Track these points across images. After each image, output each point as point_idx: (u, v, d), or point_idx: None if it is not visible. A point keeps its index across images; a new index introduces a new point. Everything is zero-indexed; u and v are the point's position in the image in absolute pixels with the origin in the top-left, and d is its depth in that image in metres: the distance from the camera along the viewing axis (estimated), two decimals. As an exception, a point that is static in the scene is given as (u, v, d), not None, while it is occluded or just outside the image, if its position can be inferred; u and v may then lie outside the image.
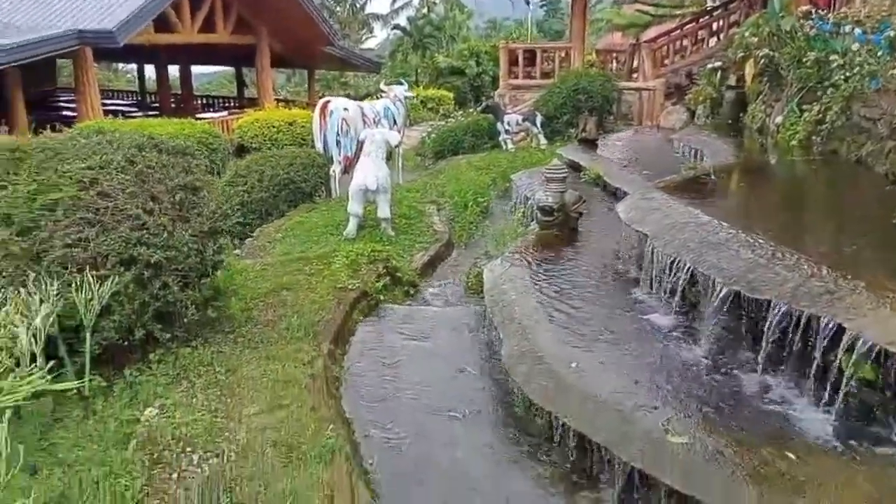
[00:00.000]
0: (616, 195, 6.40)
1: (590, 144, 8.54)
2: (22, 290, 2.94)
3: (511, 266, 4.75)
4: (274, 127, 12.72)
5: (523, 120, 10.42)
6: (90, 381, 3.14)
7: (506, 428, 3.44)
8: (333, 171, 8.20)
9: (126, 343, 3.44)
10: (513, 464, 3.18)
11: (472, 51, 22.18)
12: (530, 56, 13.65)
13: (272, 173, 7.72)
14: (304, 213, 7.35)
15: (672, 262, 3.90)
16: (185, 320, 3.69)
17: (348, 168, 8.18)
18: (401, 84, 9.69)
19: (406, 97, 9.42)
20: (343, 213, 6.79)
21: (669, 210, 4.44)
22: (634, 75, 13.59)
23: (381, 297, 4.94)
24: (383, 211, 6.27)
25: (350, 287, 4.81)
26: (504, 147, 10.35)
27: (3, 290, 3.00)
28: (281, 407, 3.28)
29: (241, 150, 11.92)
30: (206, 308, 3.94)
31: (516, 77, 13.46)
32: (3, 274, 3.11)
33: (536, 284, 4.45)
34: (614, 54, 16.33)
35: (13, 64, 10.90)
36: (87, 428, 3.05)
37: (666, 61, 12.25)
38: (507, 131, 10.36)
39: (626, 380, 3.31)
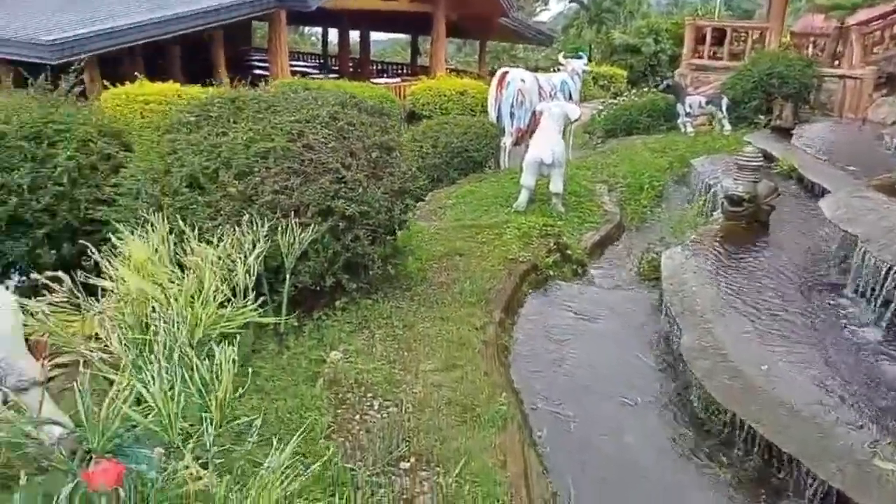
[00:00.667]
0: (813, 191, 5.86)
1: (783, 133, 7.87)
2: (237, 228, 3.19)
3: (693, 255, 4.51)
4: (445, 96, 12.93)
5: (707, 103, 9.79)
6: (285, 320, 3.37)
7: (680, 422, 3.29)
8: (504, 143, 8.19)
9: (317, 288, 3.66)
10: (686, 460, 3.04)
11: (651, 28, 21.14)
12: (719, 35, 12.75)
13: (446, 140, 7.85)
14: (475, 182, 7.42)
15: (889, 270, 3.50)
16: (371, 273, 3.85)
17: (519, 140, 8.14)
18: (580, 58, 9.44)
19: (584, 71, 9.17)
20: (512, 185, 6.79)
21: (887, 212, 3.98)
22: (836, 62, 12.31)
23: (551, 273, 4.89)
24: (556, 185, 6.17)
25: (521, 259, 4.80)
26: (682, 130, 9.80)
27: (221, 226, 3.28)
28: (455, 367, 3.35)
29: (411, 117, 12.25)
30: (386, 264, 4.09)
31: (700, 56, 12.65)
32: (222, 212, 3.41)
33: (721, 278, 4.19)
34: (812, 38, 14.85)
35: (219, 23, 11.87)
36: (281, 361, 3.29)
37: (878, 48, 10.95)
38: (687, 114, 9.79)
39: (823, 392, 3.04)
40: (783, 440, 2.78)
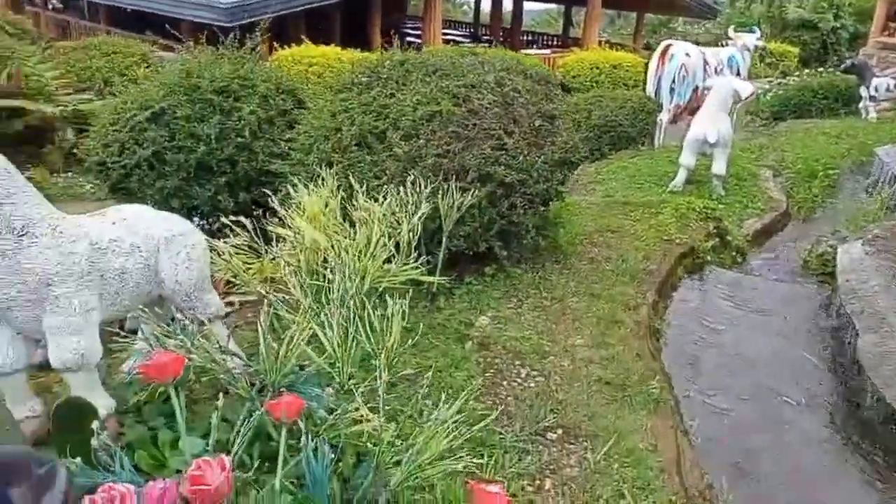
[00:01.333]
0: None
1: None
2: (401, 188, 3.28)
3: (876, 252, 4.10)
4: (598, 69, 12.56)
5: (896, 86, 8.83)
6: (441, 280, 3.44)
7: (849, 429, 3.04)
8: (661, 119, 7.82)
9: (469, 253, 3.70)
10: (854, 473, 2.80)
11: (833, 1, 19.25)
12: (916, 11, 11.42)
13: (600, 114, 7.63)
14: (627, 158, 7.17)
15: None
16: (523, 243, 3.84)
17: (677, 117, 7.74)
18: (752, 32, 8.77)
19: (756, 47, 8.53)
20: (668, 164, 6.49)
21: None
22: None
23: (708, 258, 4.64)
24: (718, 167, 5.81)
25: (677, 241, 4.59)
26: (863, 115, 8.91)
27: (385, 185, 3.38)
28: (606, 345, 3.28)
29: (562, 89, 12.00)
30: (538, 235, 4.06)
31: (891, 34, 11.41)
32: (387, 172, 3.51)
33: (909, 279, 3.79)
34: None
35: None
36: (432, 321, 3.37)
37: None
38: (871, 97, 8.87)
39: None
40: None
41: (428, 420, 1.81)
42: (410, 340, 2.21)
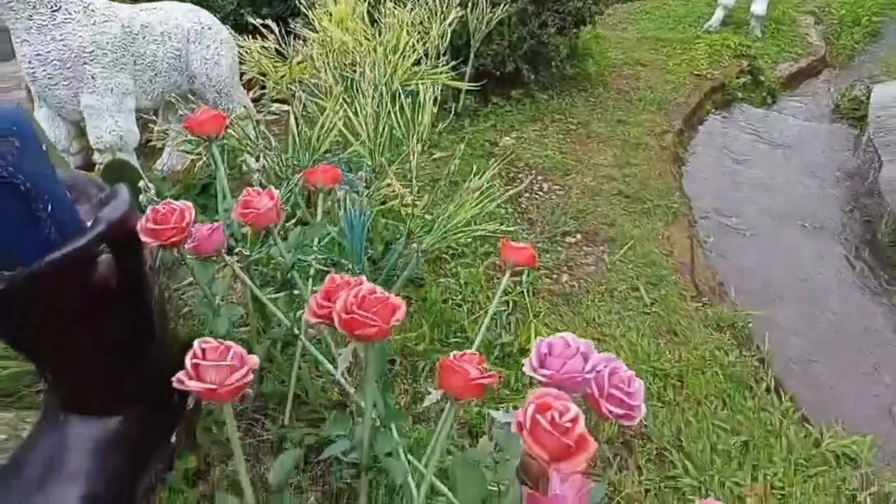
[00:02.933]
0: None
1: None
2: (429, -2, 3.19)
3: (913, 88, 3.99)
4: None
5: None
6: (470, 87, 3.39)
7: (862, 252, 3.11)
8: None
9: (497, 73, 3.65)
10: (861, 286, 2.90)
11: None
12: None
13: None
14: (662, -1, 6.83)
15: None
16: (552, 67, 3.77)
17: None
18: None
19: None
20: (704, 5, 6.20)
21: None
22: None
23: (738, 95, 4.56)
24: (759, 7, 5.54)
25: (708, 76, 4.49)
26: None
27: (414, -5, 3.29)
28: (628, 164, 3.31)
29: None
30: (566, 63, 3.98)
31: None
32: (416, -22, 3.41)
33: (944, 114, 3.71)
34: None
35: None
36: (457, 137, 3.39)
37: None
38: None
39: None
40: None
41: (457, 193, 1.89)
42: (432, 149, 2.27)
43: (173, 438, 1.54)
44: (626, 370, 0.98)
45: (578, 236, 2.78)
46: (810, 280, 2.87)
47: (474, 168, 3.08)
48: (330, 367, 1.46)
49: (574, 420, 0.84)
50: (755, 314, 2.41)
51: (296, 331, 1.49)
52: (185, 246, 1.31)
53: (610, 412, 0.94)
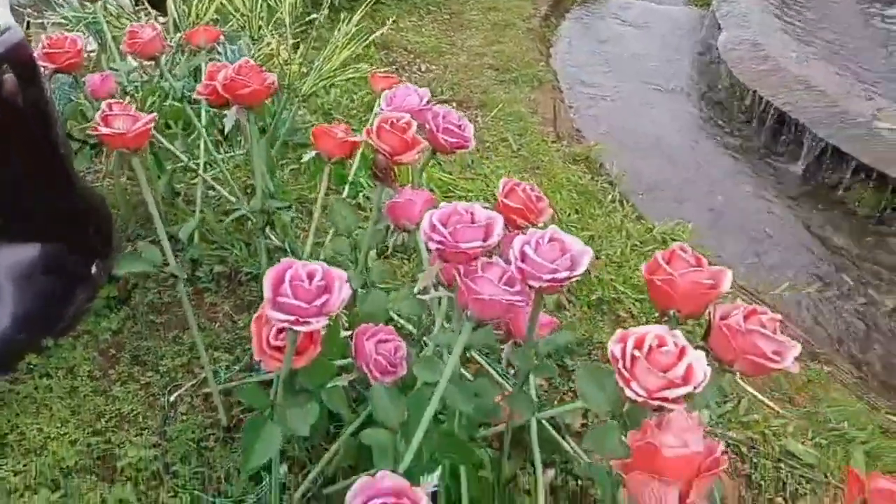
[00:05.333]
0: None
1: None
2: None
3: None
4: None
5: None
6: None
7: (706, 106, 3.54)
8: None
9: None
10: (703, 131, 3.33)
11: None
12: None
13: None
14: None
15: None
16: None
17: None
18: None
19: None
20: None
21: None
22: None
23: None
24: None
25: (573, -32, 4.78)
26: None
27: None
28: (498, 43, 3.58)
29: None
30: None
31: None
32: None
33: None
34: None
35: None
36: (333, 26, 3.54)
37: None
38: None
39: (847, 75, 3.22)
40: (794, 109, 3.03)
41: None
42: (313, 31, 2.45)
43: (94, 269, 1.73)
44: (457, 115, 1.26)
45: (454, 104, 3.04)
46: (661, 128, 3.27)
47: (351, 53, 3.29)
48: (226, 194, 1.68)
49: (408, 124, 1.11)
50: (608, 153, 2.77)
51: (192, 164, 1.69)
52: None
53: (446, 141, 1.22)
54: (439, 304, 1.21)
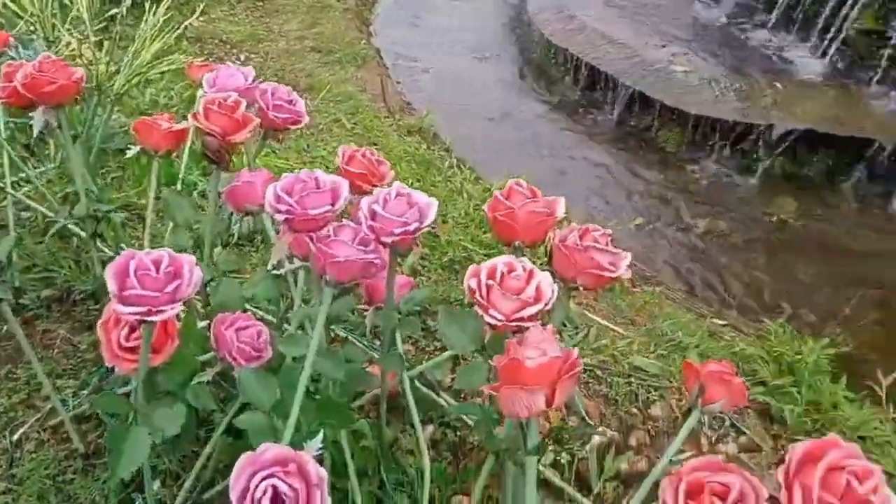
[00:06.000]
0: None
1: None
2: None
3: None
4: None
5: None
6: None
7: (524, 70, 3.73)
8: None
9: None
10: (521, 91, 3.52)
11: None
12: None
13: None
14: None
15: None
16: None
17: None
18: None
19: None
20: None
21: None
22: None
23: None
24: None
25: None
26: None
27: None
28: (317, 25, 3.54)
29: None
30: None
31: None
32: None
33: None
34: None
35: None
36: (136, 22, 3.31)
37: None
38: None
39: (644, 29, 3.53)
40: (601, 63, 3.27)
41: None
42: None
43: None
44: (286, 89, 1.25)
45: (281, 91, 2.97)
46: (485, 93, 3.41)
47: (163, 45, 3.11)
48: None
49: (236, 103, 1.08)
50: (440, 122, 2.85)
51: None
52: None
53: (278, 118, 1.21)
54: (296, 283, 1.21)
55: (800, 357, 1.57)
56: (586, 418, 1.36)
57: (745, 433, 1.44)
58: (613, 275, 0.74)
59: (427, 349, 1.60)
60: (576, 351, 0.64)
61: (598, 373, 1.52)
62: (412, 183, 2.27)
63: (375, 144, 2.54)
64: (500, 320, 0.66)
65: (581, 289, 0.77)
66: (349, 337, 1.48)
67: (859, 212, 2.71)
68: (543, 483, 1.26)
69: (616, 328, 1.67)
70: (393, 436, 1.34)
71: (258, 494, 0.62)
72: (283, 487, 0.63)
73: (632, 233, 2.39)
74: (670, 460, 0.81)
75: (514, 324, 0.67)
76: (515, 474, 0.88)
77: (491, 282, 0.69)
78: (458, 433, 1.39)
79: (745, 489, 0.59)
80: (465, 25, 4.18)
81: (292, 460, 0.65)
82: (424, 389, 1.34)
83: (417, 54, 3.75)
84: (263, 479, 0.62)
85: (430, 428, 1.39)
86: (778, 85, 2.97)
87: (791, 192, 2.76)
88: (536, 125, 3.18)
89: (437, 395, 1.36)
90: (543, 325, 0.67)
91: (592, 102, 3.37)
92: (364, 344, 1.50)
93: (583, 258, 0.74)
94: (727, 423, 1.46)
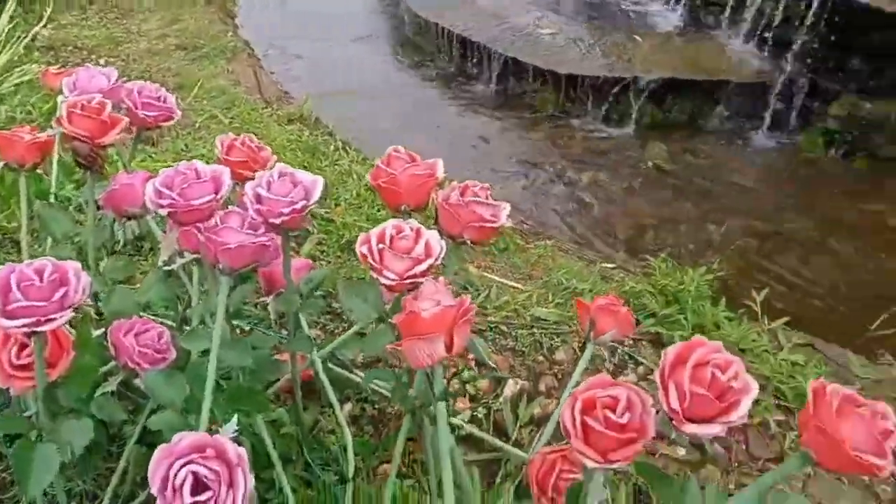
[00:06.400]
0: None
1: None
2: None
3: None
4: None
5: None
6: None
7: (397, 46, 3.75)
8: None
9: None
10: (401, 67, 3.55)
11: None
12: None
13: None
14: None
15: None
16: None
17: None
18: None
19: None
20: None
21: None
22: None
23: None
24: None
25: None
26: None
27: None
28: (179, 21, 3.41)
29: None
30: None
31: None
32: None
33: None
34: None
35: None
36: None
37: None
38: None
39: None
40: (472, 34, 3.34)
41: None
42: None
43: None
44: (154, 86, 1.22)
45: (149, 92, 2.85)
46: (363, 74, 3.41)
47: (11, 56, 2.90)
48: None
49: (101, 104, 1.05)
50: (320, 107, 2.82)
51: None
52: None
53: (148, 116, 1.18)
54: (191, 281, 1.19)
55: (682, 287, 1.70)
56: (492, 364, 1.43)
57: (642, 363, 1.56)
58: (496, 225, 0.79)
59: (336, 332, 1.62)
60: (468, 298, 0.68)
61: (504, 328, 1.59)
62: (300, 171, 2.25)
63: (257, 136, 2.48)
64: (394, 280, 0.70)
65: (469, 243, 0.81)
66: (255, 329, 1.47)
67: (724, 147, 2.93)
68: (465, 438, 1.32)
69: (515, 284, 1.75)
70: (312, 418, 1.35)
71: (178, 482, 0.63)
72: (203, 472, 0.63)
73: (520, 193, 2.49)
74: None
75: (408, 282, 0.70)
76: (433, 433, 0.92)
77: (381, 245, 0.72)
78: (377, 406, 1.43)
79: (633, 399, 0.65)
80: (334, 8, 4.13)
81: (209, 445, 0.66)
82: (337, 369, 1.36)
83: (289, 41, 3.68)
84: (182, 466, 0.63)
85: (349, 406, 1.41)
86: (638, 39, 3.14)
87: (661, 138, 2.94)
88: (417, 101, 3.22)
89: (351, 372, 1.38)
90: (435, 278, 0.71)
91: (468, 73, 3.44)
92: (271, 333, 1.49)
93: (466, 213, 0.78)
94: (624, 355, 1.57)
